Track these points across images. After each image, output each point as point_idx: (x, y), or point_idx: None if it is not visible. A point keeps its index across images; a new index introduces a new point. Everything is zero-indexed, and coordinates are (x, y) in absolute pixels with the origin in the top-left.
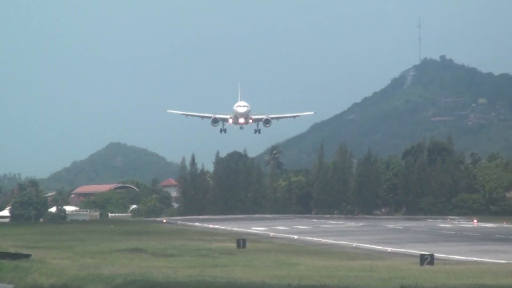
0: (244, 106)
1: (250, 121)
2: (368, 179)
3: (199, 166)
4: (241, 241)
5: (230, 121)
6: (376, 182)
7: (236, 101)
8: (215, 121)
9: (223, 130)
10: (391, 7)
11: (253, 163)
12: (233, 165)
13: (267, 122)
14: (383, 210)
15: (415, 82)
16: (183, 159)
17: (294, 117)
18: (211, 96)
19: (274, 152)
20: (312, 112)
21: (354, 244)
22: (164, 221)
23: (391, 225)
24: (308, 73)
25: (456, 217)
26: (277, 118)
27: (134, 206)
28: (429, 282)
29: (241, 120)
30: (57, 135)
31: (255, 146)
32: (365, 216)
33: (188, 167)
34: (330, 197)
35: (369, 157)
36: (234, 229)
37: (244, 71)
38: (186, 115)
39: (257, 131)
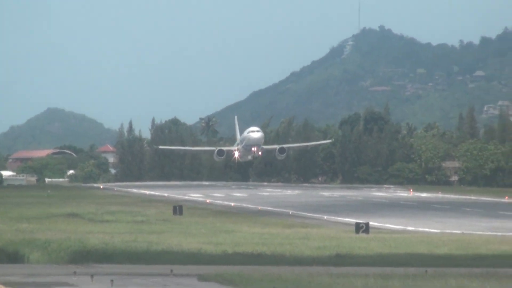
0: (258, 131)
1: (260, 153)
2: (306, 147)
3: (136, 133)
4: (177, 208)
5: (236, 154)
6: (313, 150)
7: (233, 135)
8: (220, 153)
9: (228, 166)
10: None
11: (189, 130)
12: (168, 132)
13: (282, 151)
14: (320, 178)
15: (353, 51)
16: (122, 125)
17: (309, 146)
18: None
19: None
20: (330, 140)
21: (290, 212)
22: (101, 187)
23: (327, 193)
24: (246, 40)
25: (391, 186)
26: (293, 148)
27: (71, 171)
28: (364, 250)
29: (254, 149)
30: None
31: (192, 113)
32: (302, 184)
33: (126, 134)
34: (269, 164)
35: (306, 125)
36: (171, 195)
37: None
38: (179, 150)
39: (268, 163)
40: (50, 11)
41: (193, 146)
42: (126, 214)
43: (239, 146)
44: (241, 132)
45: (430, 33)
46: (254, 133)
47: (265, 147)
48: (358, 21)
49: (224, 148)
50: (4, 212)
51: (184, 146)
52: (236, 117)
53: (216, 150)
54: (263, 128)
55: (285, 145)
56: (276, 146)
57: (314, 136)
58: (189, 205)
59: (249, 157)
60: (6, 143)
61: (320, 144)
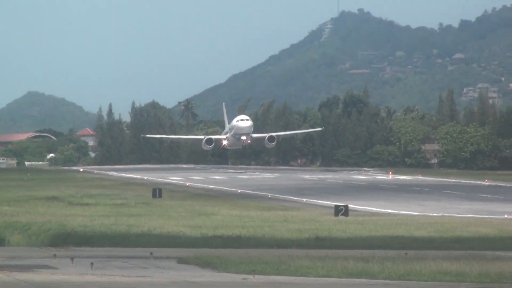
0: (247, 119)
1: (249, 141)
2: (285, 130)
3: (116, 116)
4: (157, 191)
5: (225, 142)
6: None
7: (222, 122)
8: (209, 142)
9: (216, 155)
10: None
11: (168, 113)
12: (147, 115)
13: (271, 139)
14: (299, 161)
15: (332, 34)
16: (100, 109)
17: (299, 133)
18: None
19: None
20: (320, 129)
21: (270, 195)
22: (81, 170)
23: (306, 176)
24: (225, 23)
25: (371, 169)
26: (282, 136)
27: (51, 154)
28: (343, 233)
29: (243, 138)
30: None
31: (171, 96)
32: (281, 167)
33: (105, 117)
34: (249, 148)
35: (285, 109)
36: (150, 178)
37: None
38: (167, 138)
39: (257, 152)
40: None
41: (171, 130)
42: (105, 197)
43: (228, 135)
44: (230, 120)
45: (409, 16)
46: (243, 121)
47: (254, 135)
48: (337, 4)
49: (213, 137)
50: None
51: (163, 129)
52: (224, 104)
53: (205, 139)
54: (240, 111)
55: (274, 134)
56: (266, 135)
57: (293, 120)
58: (169, 188)
59: (239, 146)
60: None
61: (310, 132)
